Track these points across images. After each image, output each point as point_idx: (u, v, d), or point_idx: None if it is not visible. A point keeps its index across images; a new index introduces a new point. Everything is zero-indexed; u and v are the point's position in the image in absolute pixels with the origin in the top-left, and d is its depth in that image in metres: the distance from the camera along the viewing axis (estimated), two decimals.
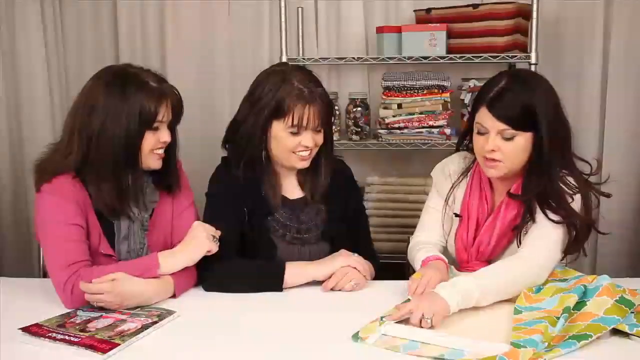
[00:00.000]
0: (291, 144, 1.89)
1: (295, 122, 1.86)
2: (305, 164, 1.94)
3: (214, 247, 1.83)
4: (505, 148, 1.78)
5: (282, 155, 1.92)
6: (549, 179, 1.79)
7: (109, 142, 1.74)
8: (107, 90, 1.76)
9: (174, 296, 1.79)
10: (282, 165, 1.97)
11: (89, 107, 1.76)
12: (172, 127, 1.87)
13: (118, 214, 1.83)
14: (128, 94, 1.75)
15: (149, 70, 1.85)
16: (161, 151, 1.84)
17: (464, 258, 1.94)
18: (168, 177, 1.92)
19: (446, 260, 1.87)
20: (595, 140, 3.02)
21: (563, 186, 1.80)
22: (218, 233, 1.86)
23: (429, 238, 2.00)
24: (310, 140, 1.89)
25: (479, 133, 1.83)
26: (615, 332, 1.51)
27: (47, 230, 1.77)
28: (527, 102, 1.76)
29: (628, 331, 1.50)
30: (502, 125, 1.76)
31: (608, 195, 1.88)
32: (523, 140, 1.78)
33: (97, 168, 1.77)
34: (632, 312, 1.55)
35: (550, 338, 1.45)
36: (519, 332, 1.47)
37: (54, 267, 1.74)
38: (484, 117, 1.79)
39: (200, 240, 1.82)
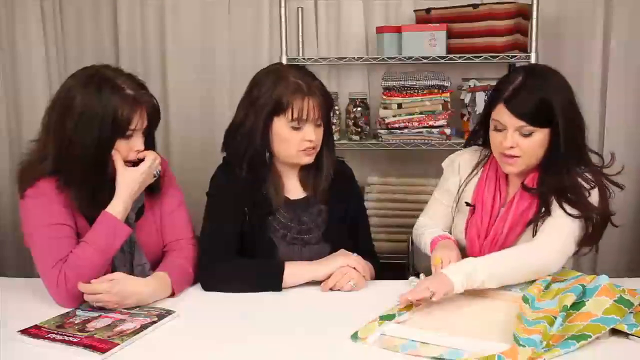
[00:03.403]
0: (294, 140, 1.89)
1: (296, 115, 1.86)
2: (310, 159, 1.94)
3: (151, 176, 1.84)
4: (523, 144, 1.80)
5: (286, 152, 1.92)
6: (567, 173, 1.82)
7: (82, 144, 1.72)
8: (84, 91, 1.73)
9: (172, 295, 1.79)
10: (286, 163, 1.97)
11: (65, 107, 1.75)
12: (148, 133, 1.85)
13: (96, 215, 1.79)
14: (103, 97, 1.72)
15: (129, 74, 1.82)
16: (135, 159, 1.81)
17: (476, 249, 1.94)
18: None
19: (452, 238, 1.95)
20: (595, 140, 3.02)
21: (581, 181, 1.83)
22: (160, 167, 1.85)
23: (431, 223, 2.05)
24: (312, 133, 1.89)
25: (496, 130, 1.84)
26: (614, 332, 1.51)
27: (33, 232, 1.76)
28: (544, 98, 1.78)
29: (627, 331, 1.50)
30: (520, 122, 1.78)
31: (621, 187, 1.89)
32: (541, 136, 1.80)
33: (69, 173, 1.75)
34: (631, 312, 1.55)
35: (549, 337, 1.45)
36: (520, 325, 1.48)
37: (44, 268, 1.73)
38: (502, 114, 1.80)
39: (134, 172, 1.79)
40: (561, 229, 1.79)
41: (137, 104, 1.77)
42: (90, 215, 1.79)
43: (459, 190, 2.03)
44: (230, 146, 1.97)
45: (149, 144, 1.85)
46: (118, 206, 1.77)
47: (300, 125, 1.88)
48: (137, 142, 1.80)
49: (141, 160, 1.82)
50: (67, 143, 1.74)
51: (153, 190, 1.91)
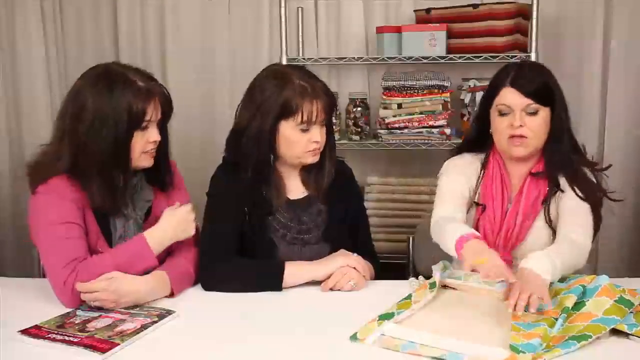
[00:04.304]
0: (302, 142, 1.89)
1: (305, 118, 1.86)
2: (316, 159, 1.95)
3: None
4: (530, 123, 1.89)
5: (292, 154, 1.92)
6: (572, 151, 1.94)
7: (98, 145, 1.73)
8: (94, 91, 1.74)
9: (172, 295, 1.79)
10: (291, 164, 1.97)
11: (77, 110, 1.75)
12: (162, 126, 1.86)
13: (113, 212, 1.82)
14: (115, 94, 1.73)
15: (137, 68, 1.83)
16: (152, 150, 1.83)
17: (491, 244, 1.94)
18: (161, 175, 1.92)
19: (479, 235, 1.79)
20: (595, 141, 3.02)
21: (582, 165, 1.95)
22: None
23: (450, 213, 1.96)
24: (318, 134, 1.90)
25: (501, 115, 1.92)
26: (615, 332, 1.51)
27: (44, 230, 1.76)
28: (544, 79, 1.92)
29: (627, 331, 1.50)
30: (527, 100, 1.88)
31: (605, 169, 2.01)
32: (545, 115, 1.90)
33: (87, 170, 1.75)
34: (631, 312, 1.55)
35: (548, 339, 1.45)
36: (517, 333, 1.46)
37: (54, 267, 1.73)
38: (508, 96, 1.90)
39: (180, 211, 1.87)
40: (584, 219, 1.87)
41: (150, 95, 1.78)
42: (102, 209, 1.80)
43: (471, 189, 2.02)
44: (235, 151, 1.95)
45: (163, 137, 1.87)
46: (155, 237, 1.81)
47: (308, 127, 1.88)
48: (153, 133, 1.81)
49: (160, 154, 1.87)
50: (84, 144, 1.74)
51: (164, 186, 1.93)
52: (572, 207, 1.88)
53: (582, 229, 1.85)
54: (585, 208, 1.88)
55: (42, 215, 1.77)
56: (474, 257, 1.66)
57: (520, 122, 1.88)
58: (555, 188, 1.93)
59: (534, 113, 1.89)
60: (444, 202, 1.99)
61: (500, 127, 1.93)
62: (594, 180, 1.94)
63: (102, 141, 1.73)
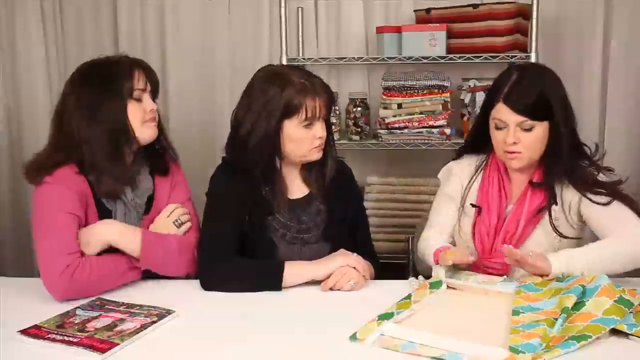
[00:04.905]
0: (306, 139, 1.89)
1: (310, 114, 1.87)
2: (320, 154, 1.95)
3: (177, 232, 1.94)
4: (525, 139, 1.85)
5: (297, 152, 1.92)
6: (573, 161, 1.89)
7: (103, 133, 1.80)
8: (86, 79, 1.84)
9: (140, 269, 1.85)
10: (295, 163, 1.97)
11: (78, 115, 1.81)
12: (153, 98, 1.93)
13: (121, 189, 1.87)
14: (102, 72, 1.83)
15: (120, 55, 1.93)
16: (152, 119, 1.90)
17: (487, 248, 1.96)
18: (161, 154, 1.99)
19: (449, 245, 1.94)
20: (595, 141, 3.01)
21: (588, 170, 1.90)
22: (186, 217, 1.96)
23: (438, 235, 2.04)
24: (322, 130, 1.91)
25: (497, 128, 1.90)
26: (614, 332, 1.51)
27: (48, 218, 1.77)
28: (541, 92, 1.84)
29: (627, 331, 1.50)
30: (520, 118, 1.84)
31: (612, 170, 1.96)
32: (541, 130, 1.86)
33: (96, 155, 1.80)
34: (630, 312, 1.55)
35: (548, 339, 1.45)
36: (517, 335, 1.46)
37: (52, 254, 1.74)
38: (502, 112, 1.86)
39: (163, 224, 1.92)
40: (627, 215, 1.83)
41: (133, 65, 1.87)
42: (109, 191, 1.84)
43: (462, 194, 2.04)
44: (241, 157, 1.93)
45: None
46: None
47: (313, 123, 1.89)
48: (148, 102, 1.89)
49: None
50: (87, 128, 1.80)
51: (166, 169, 2.00)
52: (602, 213, 1.85)
53: (623, 222, 1.82)
54: (614, 206, 1.84)
55: (48, 204, 1.79)
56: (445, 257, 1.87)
57: (514, 139, 1.84)
58: (552, 200, 1.90)
59: (529, 129, 1.84)
60: (431, 226, 2.08)
61: (495, 140, 1.91)
62: (604, 178, 1.90)
63: (104, 132, 1.80)
